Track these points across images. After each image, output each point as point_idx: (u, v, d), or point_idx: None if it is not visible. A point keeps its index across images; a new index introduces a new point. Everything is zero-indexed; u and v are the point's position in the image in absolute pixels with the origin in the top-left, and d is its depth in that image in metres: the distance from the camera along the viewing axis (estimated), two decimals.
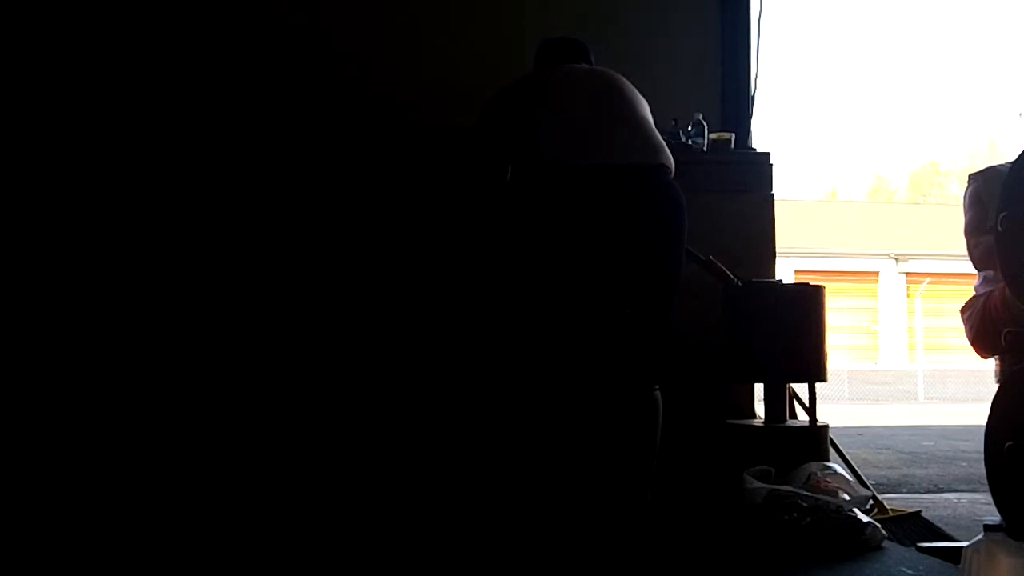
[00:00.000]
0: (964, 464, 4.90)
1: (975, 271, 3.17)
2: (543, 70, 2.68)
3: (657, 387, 2.39)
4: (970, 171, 3.27)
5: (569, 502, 2.43)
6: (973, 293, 3.15)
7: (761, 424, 3.07)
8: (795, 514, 2.47)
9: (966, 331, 3.11)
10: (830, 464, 2.85)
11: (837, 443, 3.17)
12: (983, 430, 2.20)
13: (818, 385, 3.01)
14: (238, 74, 3.51)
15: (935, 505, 3.34)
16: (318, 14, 3.77)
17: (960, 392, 14.56)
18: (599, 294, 2.38)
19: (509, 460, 2.72)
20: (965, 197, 3.20)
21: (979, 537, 1.96)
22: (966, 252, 3.16)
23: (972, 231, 3.12)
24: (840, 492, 2.64)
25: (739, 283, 3.03)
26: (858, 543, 2.45)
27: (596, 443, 2.39)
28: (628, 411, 2.35)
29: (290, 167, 3.21)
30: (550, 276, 2.39)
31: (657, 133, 2.52)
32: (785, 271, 6.16)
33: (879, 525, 2.54)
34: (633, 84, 2.61)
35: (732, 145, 3.49)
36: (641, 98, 2.57)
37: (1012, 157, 2.37)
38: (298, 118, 3.29)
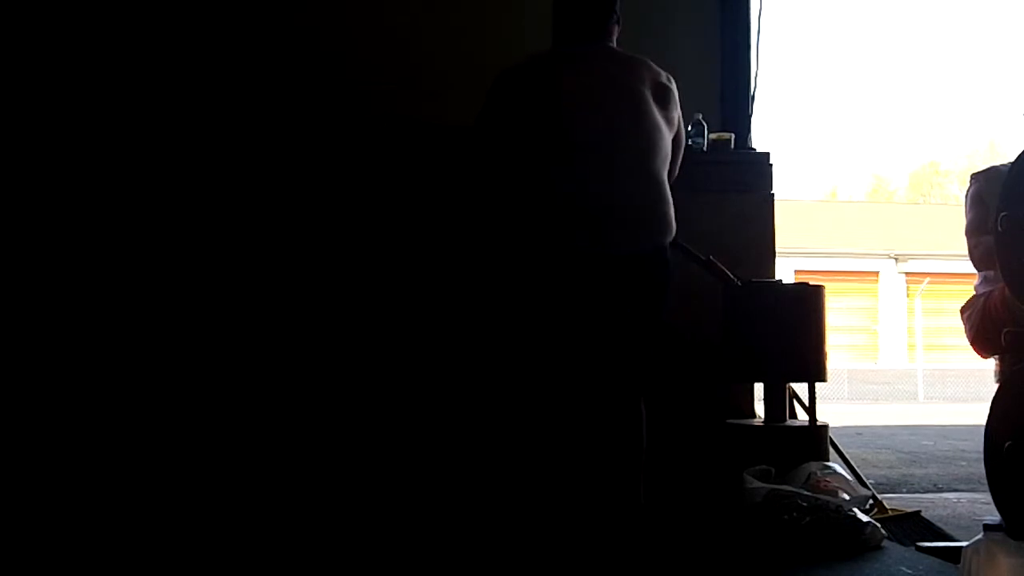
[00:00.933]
0: (964, 464, 4.91)
1: (975, 271, 3.17)
2: (563, 43, 2.57)
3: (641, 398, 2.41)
4: (970, 171, 3.27)
5: (560, 502, 2.42)
6: (973, 293, 3.15)
7: (761, 424, 3.07)
8: (795, 514, 2.47)
9: (966, 331, 3.11)
10: (830, 464, 2.85)
11: (837, 443, 3.17)
12: (983, 430, 2.20)
13: (818, 385, 3.01)
14: (238, 75, 3.51)
15: (935, 505, 3.34)
16: (318, 14, 3.76)
17: (960, 392, 14.57)
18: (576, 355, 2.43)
19: (500, 461, 2.71)
20: (966, 197, 3.20)
21: (979, 537, 1.96)
22: (966, 252, 3.16)
23: (973, 231, 3.11)
24: (840, 492, 2.65)
25: (739, 283, 3.03)
26: (858, 543, 2.45)
27: (582, 443, 2.39)
28: (611, 412, 2.37)
29: (290, 167, 3.21)
30: (536, 333, 2.43)
31: (665, 181, 2.46)
32: (785, 271, 6.16)
33: (879, 525, 2.54)
34: None
35: (732, 145, 3.49)
36: (657, 110, 2.47)
37: (1012, 157, 2.37)
38: (298, 118, 3.29)
